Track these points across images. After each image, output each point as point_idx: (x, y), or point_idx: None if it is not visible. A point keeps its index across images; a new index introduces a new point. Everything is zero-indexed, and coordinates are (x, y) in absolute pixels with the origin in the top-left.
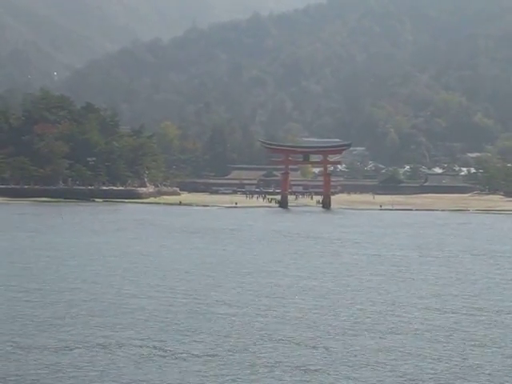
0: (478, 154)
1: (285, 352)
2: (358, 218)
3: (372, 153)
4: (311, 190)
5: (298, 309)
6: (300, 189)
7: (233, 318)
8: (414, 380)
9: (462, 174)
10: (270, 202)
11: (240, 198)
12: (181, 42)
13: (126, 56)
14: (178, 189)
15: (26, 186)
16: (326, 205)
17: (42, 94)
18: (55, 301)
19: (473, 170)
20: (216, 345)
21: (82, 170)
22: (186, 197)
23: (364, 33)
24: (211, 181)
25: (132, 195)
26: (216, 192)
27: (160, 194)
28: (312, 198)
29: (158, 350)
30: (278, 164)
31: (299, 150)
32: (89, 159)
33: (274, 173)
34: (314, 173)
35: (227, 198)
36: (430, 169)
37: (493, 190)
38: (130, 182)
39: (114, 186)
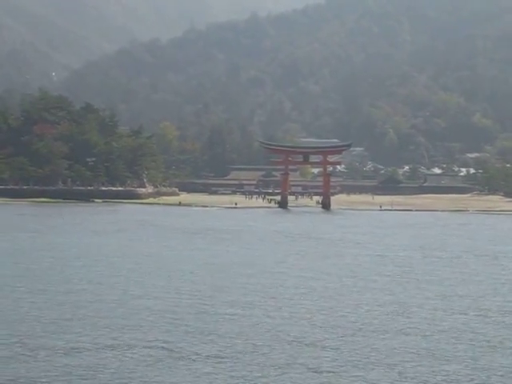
0: (476, 155)
1: (295, 353)
2: (359, 218)
3: (371, 153)
4: (310, 190)
5: (305, 310)
6: (299, 189)
7: (241, 319)
8: (426, 381)
9: (461, 174)
10: (270, 202)
11: (239, 199)
12: (179, 42)
13: (124, 56)
14: (177, 189)
15: (25, 187)
16: (326, 205)
17: (40, 94)
18: (61, 302)
19: (472, 171)
20: (225, 346)
21: (81, 170)
22: (185, 197)
23: (362, 33)
24: (210, 181)
25: (131, 196)
26: (215, 192)
27: (159, 194)
28: (312, 198)
29: (167, 352)
30: (278, 164)
31: (299, 150)
32: (88, 160)
33: (273, 173)
34: (313, 173)
35: (226, 198)
36: (428, 169)
37: (492, 191)
38: (129, 182)
39: (113, 186)
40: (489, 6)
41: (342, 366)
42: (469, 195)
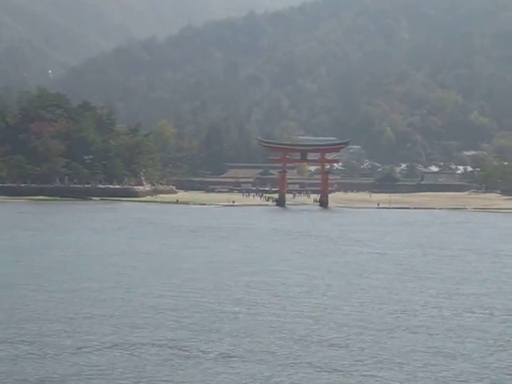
0: (473, 153)
1: (304, 351)
2: (357, 216)
3: (368, 151)
4: (308, 188)
5: (310, 308)
6: (296, 187)
7: (246, 318)
8: (436, 380)
9: (459, 172)
10: (268, 200)
11: (237, 197)
12: (176, 40)
13: (122, 54)
14: (174, 187)
15: (22, 185)
16: (324, 203)
17: (38, 92)
18: (66, 300)
19: (469, 169)
20: (233, 345)
21: (78, 168)
22: (182, 195)
23: (359, 31)
24: (207, 179)
25: (129, 193)
26: (212, 190)
27: (156, 192)
28: (309, 196)
29: (176, 350)
30: (276, 162)
31: (297, 148)
32: (85, 157)
33: (271, 171)
34: (310, 171)
35: (224, 196)
36: (426, 167)
37: (490, 189)
38: (126, 180)
39: (110, 184)
40: (486, 4)
41: (351, 365)
42: (466, 193)
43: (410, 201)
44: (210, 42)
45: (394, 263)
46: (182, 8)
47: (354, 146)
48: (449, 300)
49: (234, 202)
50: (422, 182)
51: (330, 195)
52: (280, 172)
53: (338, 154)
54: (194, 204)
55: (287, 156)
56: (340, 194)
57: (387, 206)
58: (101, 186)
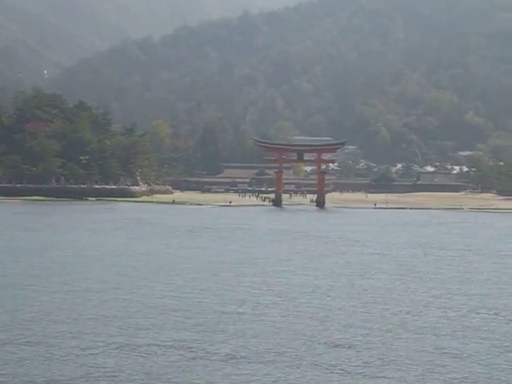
0: (469, 153)
1: (311, 352)
2: (354, 216)
3: (363, 151)
4: (303, 188)
5: (315, 309)
6: (292, 187)
7: (251, 319)
8: (447, 381)
9: (454, 172)
10: (264, 200)
11: (233, 197)
12: (171, 39)
13: (117, 54)
14: (170, 187)
15: (18, 185)
16: (320, 203)
17: (33, 92)
18: (69, 301)
19: (465, 169)
20: (240, 346)
21: (74, 168)
22: (178, 195)
23: (355, 31)
24: (203, 179)
25: (125, 194)
26: (208, 190)
27: (152, 192)
28: (305, 196)
29: (183, 351)
30: (272, 162)
31: (294, 148)
32: (81, 158)
33: (267, 171)
34: (306, 171)
35: (220, 196)
36: (421, 167)
37: (485, 189)
38: (122, 180)
39: (106, 184)
40: (481, 4)
41: (359, 366)
42: (462, 193)
43: (406, 201)
44: (204, 41)
45: (395, 264)
46: (176, 8)
47: (350, 146)
48: (452, 300)
49: (230, 202)
50: (418, 182)
51: (326, 195)
52: (276, 172)
53: (334, 154)
54: (191, 204)
55: (283, 156)
56: (336, 195)
57: (384, 206)
58: (97, 187)
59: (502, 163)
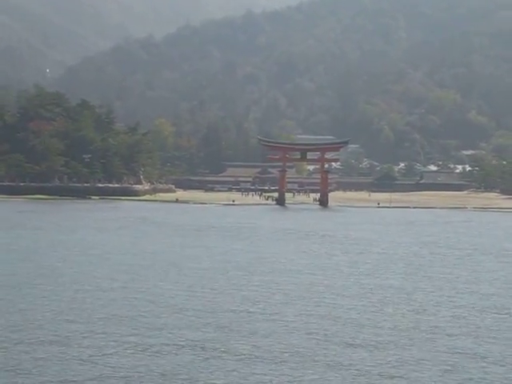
0: (472, 152)
1: (331, 352)
2: (358, 215)
3: (366, 150)
4: (306, 187)
5: (327, 308)
6: (295, 186)
7: (267, 317)
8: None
9: (457, 171)
10: (267, 199)
11: (236, 196)
12: (174, 39)
13: (119, 53)
14: (173, 186)
15: (21, 184)
16: (324, 202)
17: (36, 90)
18: (80, 301)
19: (468, 168)
20: (257, 345)
21: (77, 167)
22: (181, 194)
23: (357, 30)
24: (206, 178)
25: (128, 192)
26: (211, 189)
27: (156, 191)
28: (308, 195)
29: (200, 351)
30: (275, 161)
31: (297, 147)
32: (84, 156)
33: (270, 170)
34: (308, 170)
35: (223, 195)
36: (424, 166)
37: (489, 188)
38: (125, 179)
39: (109, 183)
40: (484, 3)
41: (375, 366)
42: (465, 192)
43: (409, 200)
44: (207, 40)
45: (403, 263)
46: (179, 7)
47: (353, 145)
48: (462, 300)
49: (234, 201)
50: (421, 181)
51: (329, 194)
52: (280, 171)
53: (337, 153)
54: (194, 203)
55: (287, 155)
56: (339, 193)
57: (387, 205)
58: (100, 185)
59: (504, 162)
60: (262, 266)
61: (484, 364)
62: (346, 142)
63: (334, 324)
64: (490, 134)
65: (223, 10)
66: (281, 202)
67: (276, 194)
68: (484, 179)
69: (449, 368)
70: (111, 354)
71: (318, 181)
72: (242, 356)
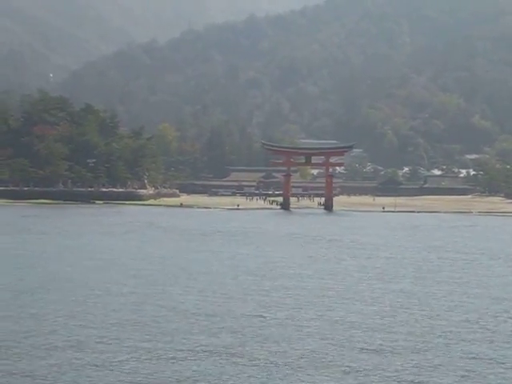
0: (476, 156)
1: (352, 358)
2: (364, 220)
3: (370, 154)
4: (310, 191)
5: (342, 313)
6: (299, 191)
7: (282, 323)
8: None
9: (461, 175)
10: (272, 203)
11: (240, 200)
12: (177, 43)
13: (122, 57)
14: (177, 191)
15: (25, 188)
16: (329, 207)
17: (40, 95)
18: (91, 306)
19: (472, 172)
20: (275, 351)
21: (81, 171)
22: (185, 199)
23: (361, 34)
24: (210, 183)
25: (132, 197)
26: (215, 194)
27: (160, 195)
28: (312, 200)
29: (216, 357)
30: (279, 165)
31: (302, 151)
32: (88, 161)
33: (274, 174)
34: (312, 174)
35: (228, 199)
36: (428, 170)
37: (493, 192)
38: (129, 183)
39: (113, 187)
40: (487, 8)
41: (394, 372)
42: (469, 196)
43: (413, 204)
44: (210, 45)
45: (412, 268)
46: (181, 11)
47: (356, 150)
48: (474, 305)
49: (238, 205)
50: (425, 186)
51: (334, 199)
52: (284, 175)
53: (342, 157)
54: (199, 207)
55: (291, 159)
56: (343, 198)
57: (392, 209)
58: (104, 190)
59: (508, 166)
60: (271, 271)
61: (501, 370)
62: (351, 147)
63: (347, 329)
64: (493, 138)
65: (225, 14)
66: (285, 206)
67: (280, 199)
68: (488, 183)
69: (466, 374)
70: (126, 360)
71: (322, 185)
72: (258, 362)
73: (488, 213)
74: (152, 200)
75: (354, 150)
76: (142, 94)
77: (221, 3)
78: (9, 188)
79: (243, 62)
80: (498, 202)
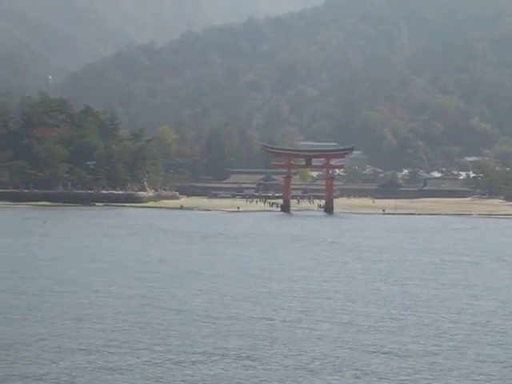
0: (475, 158)
1: (364, 361)
2: (364, 222)
3: (369, 157)
4: (310, 194)
5: (351, 316)
6: (299, 193)
7: (292, 326)
8: None
9: (461, 178)
10: (272, 206)
11: (240, 202)
12: (176, 45)
13: (121, 59)
14: (177, 193)
15: (25, 190)
16: (329, 209)
17: (40, 97)
18: (99, 308)
19: (472, 174)
20: (291, 354)
21: (81, 173)
22: (185, 201)
23: (360, 36)
24: (209, 185)
25: (132, 199)
26: (215, 196)
27: (159, 198)
28: (312, 202)
29: (231, 360)
30: (279, 168)
31: (302, 153)
32: (88, 163)
33: (273, 177)
34: (312, 177)
35: (228, 202)
36: (428, 173)
37: (493, 194)
38: (129, 185)
39: (113, 189)
40: (486, 10)
41: (407, 375)
42: (469, 199)
43: (413, 207)
44: (210, 47)
45: (416, 270)
46: (181, 13)
47: (356, 152)
48: (482, 307)
49: (238, 207)
50: (425, 188)
51: (334, 201)
52: (285, 177)
53: (342, 159)
54: (199, 210)
55: (292, 161)
56: (343, 200)
57: (392, 211)
58: (104, 192)
59: (508, 169)
60: (275, 274)
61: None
62: (352, 149)
63: (357, 332)
64: (493, 140)
65: (224, 16)
66: (286, 208)
67: (280, 201)
68: (488, 186)
69: (478, 377)
70: (137, 364)
71: (322, 187)
72: (270, 365)
73: (488, 215)
74: (152, 202)
75: (354, 152)
76: (142, 95)
77: (220, 5)
78: (9, 190)
79: (243, 64)
80: (497, 205)
